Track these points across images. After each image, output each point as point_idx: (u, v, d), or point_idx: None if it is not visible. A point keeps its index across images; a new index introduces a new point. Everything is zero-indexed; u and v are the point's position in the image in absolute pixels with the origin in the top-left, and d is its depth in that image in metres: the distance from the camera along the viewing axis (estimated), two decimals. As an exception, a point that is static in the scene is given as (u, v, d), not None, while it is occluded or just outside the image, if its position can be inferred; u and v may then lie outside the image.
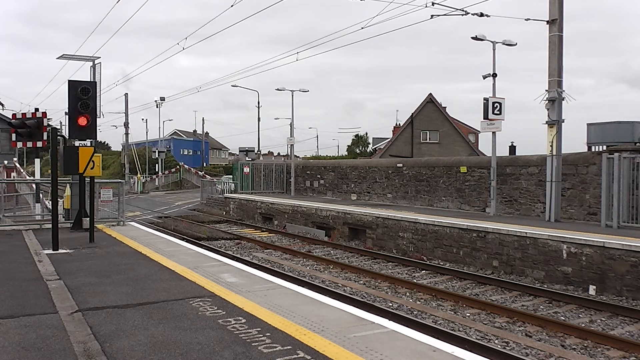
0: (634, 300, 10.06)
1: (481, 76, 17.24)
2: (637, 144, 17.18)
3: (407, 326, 5.69)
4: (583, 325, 8.70)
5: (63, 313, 5.69)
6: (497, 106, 16.42)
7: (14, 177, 22.16)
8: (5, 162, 23.66)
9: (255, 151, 41.84)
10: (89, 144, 12.40)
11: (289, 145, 31.47)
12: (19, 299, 6.29)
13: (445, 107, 48.68)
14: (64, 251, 9.80)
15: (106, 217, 15.23)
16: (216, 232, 20.35)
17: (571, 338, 8.05)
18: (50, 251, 9.74)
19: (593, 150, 19.05)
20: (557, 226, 13.69)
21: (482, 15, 15.76)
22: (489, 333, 8.25)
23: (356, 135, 78.12)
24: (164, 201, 40.95)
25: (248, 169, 31.49)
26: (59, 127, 35.33)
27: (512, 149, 36.07)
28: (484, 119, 16.66)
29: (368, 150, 70.47)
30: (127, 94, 77.68)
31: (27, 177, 21.66)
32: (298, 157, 61.53)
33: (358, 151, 73.65)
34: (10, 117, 15.64)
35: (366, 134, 77.20)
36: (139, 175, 56.10)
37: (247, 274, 7.87)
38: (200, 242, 16.29)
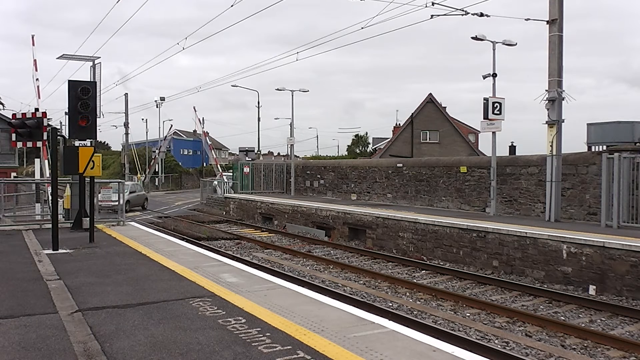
0: (634, 300, 10.06)
1: (481, 76, 17.28)
2: (637, 144, 17.17)
3: (407, 326, 5.69)
4: (583, 325, 8.69)
5: (63, 313, 5.68)
6: (497, 106, 16.43)
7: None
8: None
9: (255, 151, 41.84)
10: (89, 144, 12.40)
11: (289, 145, 31.50)
12: (19, 299, 6.29)
13: (445, 107, 48.61)
14: (64, 251, 9.80)
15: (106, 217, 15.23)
16: (216, 232, 20.35)
17: (571, 338, 8.05)
18: (50, 251, 9.73)
19: (593, 150, 19.03)
20: (557, 226, 13.69)
21: (482, 15, 15.76)
22: (489, 333, 8.25)
23: (356, 135, 78.11)
24: (164, 201, 40.98)
25: (248, 169, 31.51)
26: (59, 127, 35.31)
27: (512, 149, 36.02)
28: (484, 119, 16.67)
29: (368, 150, 70.44)
30: (127, 94, 77.60)
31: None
32: (298, 157, 61.51)
33: (358, 151, 73.61)
34: (10, 117, 15.66)
35: (366, 134, 77.20)
36: (139, 175, 56.10)
37: (247, 274, 7.87)
38: (200, 242, 16.29)
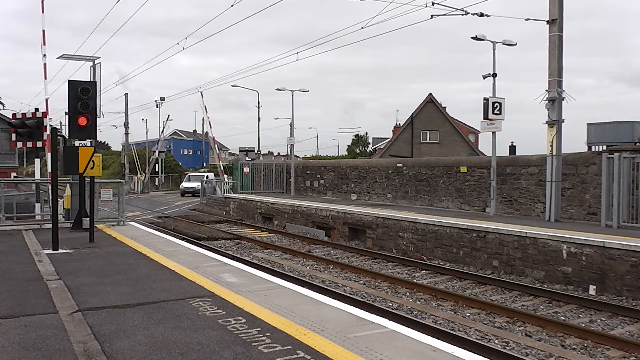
0: (634, 300, 10.06)
1: (481, 76, 17.28)
2: (637, 144, 17.18)
3: (407, 326, 5.69)
4: (583, 325, 8.69)
5: (63, 313, 5.68)
6: (497, 106, 16.43)
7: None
8: None
9: (255, 151, 41.82)
10: (89, 144, 12.40)
11: (289, 145, 31.51)
12: (19, 299, 6.29)
13: (445, 107, 48.62)
14: (64, 251, 9.80)
15: (106, 217, 15.22)
16: (216, 232, 20.35)
17: (571, 338, 8.05)
18: (50, 251, 9.74)
19: (593, 150, 19.05)
20: (557, 226, 13.69)
21: (482, 15, 15.76)
22: (489, 333, 8.25)
23: (356, 135, 78.19)
24: (164, 201, 40.96)
25: (248, 169, 31.51)
26: (59, 127, 35.30)
27: (512, 149, 36.03)
28: (484, 119, 16.67)
29: (368, 150, 70.47)
30: (127, 94, 77.75)
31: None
32: (298, 157, 61.45)
33: (358, 151, 73.64)
34: (10, 117, 15.68)
35: (366, 134, 77.29)
36: (139, 175, 56.07)
37: (247, 274, 7.87)
38: (200, 242, 16.29)
